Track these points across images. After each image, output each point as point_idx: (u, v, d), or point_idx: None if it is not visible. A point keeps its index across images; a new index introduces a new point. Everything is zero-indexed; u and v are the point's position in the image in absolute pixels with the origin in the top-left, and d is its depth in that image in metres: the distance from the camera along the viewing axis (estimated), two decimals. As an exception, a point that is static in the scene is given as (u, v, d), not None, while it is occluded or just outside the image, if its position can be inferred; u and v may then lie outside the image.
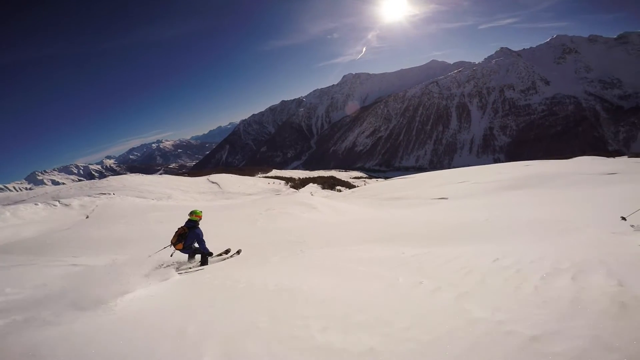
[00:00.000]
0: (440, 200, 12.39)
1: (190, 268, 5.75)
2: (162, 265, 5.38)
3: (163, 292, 3.97)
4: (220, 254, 6.63)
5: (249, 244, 7.33)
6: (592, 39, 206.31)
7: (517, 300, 2.48)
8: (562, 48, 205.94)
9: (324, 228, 9.43)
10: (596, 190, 8.24)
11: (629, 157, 30.89)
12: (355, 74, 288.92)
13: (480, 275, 3.20)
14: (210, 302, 3.34)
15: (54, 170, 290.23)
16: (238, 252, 6.90)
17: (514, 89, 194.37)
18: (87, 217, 12.20)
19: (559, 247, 4.15)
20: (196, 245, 5.91)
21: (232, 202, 21.39)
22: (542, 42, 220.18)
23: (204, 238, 5.90)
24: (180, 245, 5.73)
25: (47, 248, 8.24)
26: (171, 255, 5.78)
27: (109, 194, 18.04)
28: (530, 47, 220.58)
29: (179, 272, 5.41)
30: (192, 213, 5.91)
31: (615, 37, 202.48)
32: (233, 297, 3.46)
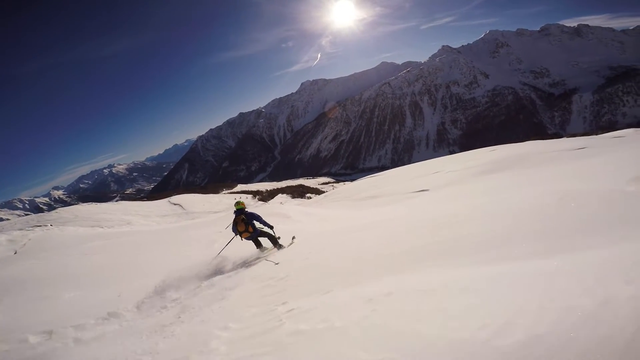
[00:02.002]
0: (421, 192, 11.93)
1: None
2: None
3: None
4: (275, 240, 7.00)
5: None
6: (520, 33, 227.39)
7: None
8: (495, 43, 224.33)
9: (310, 244, 6.88)
10: (586, 161, 8.06)
11: (567, 137, 33.60)
12: (313, 80, 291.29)
13: None
14: None
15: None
16: (292, 238, 7.27)
17: (458, 84, 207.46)
18: (16, 252, 10.26)
19: None
20: (258, 225, 6.61)
21: (192, 222, 19.73)
22: (478, 38, 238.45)
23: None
24: (251, 228, 6.51)
25: None
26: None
27: (46, 225, 15.64)
28: (468, 44, 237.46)
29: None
30: (237, 204, 6.74)
31: (538, 29, 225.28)
32: None
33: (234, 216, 6.78)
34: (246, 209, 6.70)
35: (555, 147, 13.06)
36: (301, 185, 77.74)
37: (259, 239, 6.83)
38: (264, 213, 15.05)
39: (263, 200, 49.43)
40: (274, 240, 6.76)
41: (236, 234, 6.70)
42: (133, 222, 24.97)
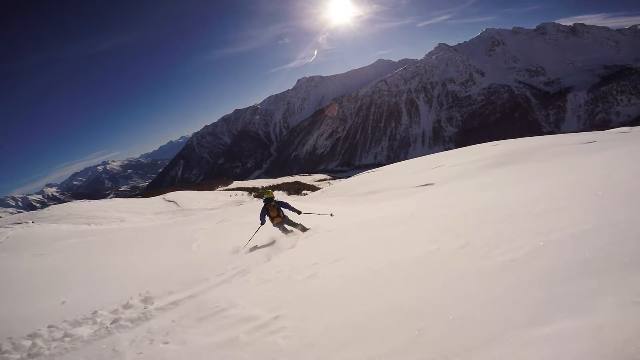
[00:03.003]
0: (426, 186, 11.42)
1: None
2: None
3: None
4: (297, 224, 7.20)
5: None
6: (516, 31, 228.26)
7: None
8: (491, 41, 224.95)
9: (315, 249, 5.06)
10: (604, 154, 7.38)
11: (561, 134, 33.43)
12: (309, 77, 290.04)
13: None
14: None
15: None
16: (331, 213, 7.58)
17: (454, 82, 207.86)
18: None
19: None
20: (286, 213, 7.12)
21: (180, 219, 19.10)
22: (474, 36, 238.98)
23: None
24: (282, 214, 7.06)
25: None
26: None
27: (27, 222, 15.10)
28: (464, 42, 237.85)
29: None
30: (267, 193, 7.35)
31: (534, 28, 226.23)
32: None
33: (262, 205, 7.28)
34: (275, 198, 7.28)
35: (563, 142, 12.66)
36: (297, 182, 77.55)
37: (286, 226, 7.23)
38: (254, 209, 14.52)
39: (259, 197, 48.99)
40: (302, 228, 7.15)
41: (262, 223, 7.14)
42: (127, 219, 24.41)
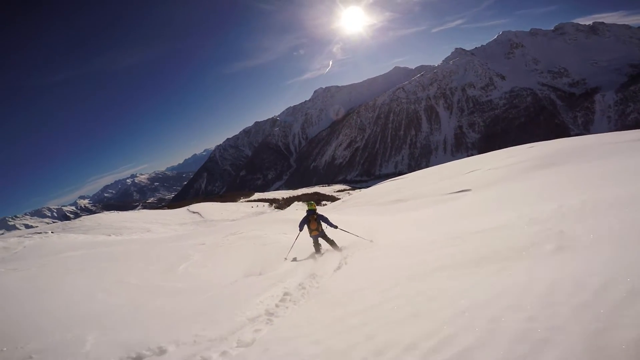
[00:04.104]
0: (462, 193, 10.69)
1: None
2: None
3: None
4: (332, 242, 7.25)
5: None
6: (534, 33, 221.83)
7: None
8: (509, 43, 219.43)
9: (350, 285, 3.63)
10: None
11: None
12: (326, 87, 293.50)
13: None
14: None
15: (25, 214, 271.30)
16: (371, 239, 7.10)
17: (474, 87, 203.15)
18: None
19: None
20: (323, 227, 7.29)
21: (200, 229, 18.96)
22: (491, 40, 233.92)
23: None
24: (320, 227, 7.28)
25: None
26: None
27: (46, 232, 15.65)
28: (482, 45, 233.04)
29: None
30: (309, 204, 7.59)
31: (552, 29, 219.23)
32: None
33: (305, 214, 7.52)
34: (317, 210, 7.55)
35: (608, 140, 11.66)
36: (317, 193, 77.84)
37: (320, 240, 7.42)
38: (271, 220, 14.22)
39: (280, 208, 49.30)
40: (334, 245, 7.28)
41: (300, 230, 7.44)
42: (153, 230, 25.04)
